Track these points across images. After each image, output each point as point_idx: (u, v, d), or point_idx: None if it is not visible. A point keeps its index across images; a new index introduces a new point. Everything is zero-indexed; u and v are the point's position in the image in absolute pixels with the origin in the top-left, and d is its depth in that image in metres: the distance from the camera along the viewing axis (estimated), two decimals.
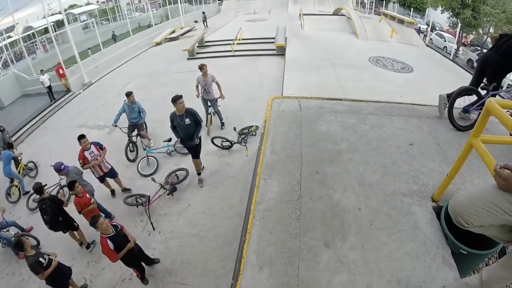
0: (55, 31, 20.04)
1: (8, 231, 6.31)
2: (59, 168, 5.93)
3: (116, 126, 7.83)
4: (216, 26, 20.86)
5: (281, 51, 13.17)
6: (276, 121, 4.99)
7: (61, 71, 15.24)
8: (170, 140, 7.41)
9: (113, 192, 6.94)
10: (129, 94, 7.66)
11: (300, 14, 18.86)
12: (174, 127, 5.97)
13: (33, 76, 17.90)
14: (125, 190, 6.95)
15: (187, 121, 5.73)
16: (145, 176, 7.15)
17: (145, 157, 7.45)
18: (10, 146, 8.20)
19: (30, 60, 22.81)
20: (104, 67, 17.54)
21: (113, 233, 4.34)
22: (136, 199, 6.28)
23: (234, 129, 7.45)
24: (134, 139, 8.05)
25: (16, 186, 7.75)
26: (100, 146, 6.41)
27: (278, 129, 4.81)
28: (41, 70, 15.09)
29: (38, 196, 5.71)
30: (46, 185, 6.19)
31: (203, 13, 24.58)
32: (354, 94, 7.13)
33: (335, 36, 15.47)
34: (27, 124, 13.07)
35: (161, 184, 6.35)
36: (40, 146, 10.57)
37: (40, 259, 4.59)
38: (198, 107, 6.66)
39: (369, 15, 25.47)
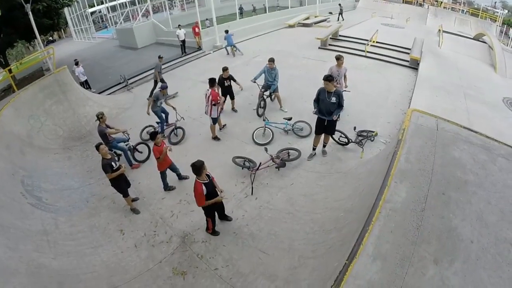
0: None
1: (128, 144, 7.96)
2: (165, 86, 8.97)
3: (255, 82, 9.24)
4: (350, 23, 20.95)
5: (414, 65, 12.75)
6: (414, 133, 5.20)
7: (197, 30, 17.31)
8: (290, 119, 8.10)
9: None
10: (271, 60, 8.93)
11: (439, 31, 18.03)
12: (317, 100, 6.69)
13: (169, 28, 20.63)
14: (224, 126, 9.04)
15: (333, 99, 6.40)
16: (258, 144, 7.95)
17: (262, 127, 8.26)
18: (227, 31, 15.72)
19: (168, 14, 26.29)
20: (236, 36, 19.09)
21: (207, 181, 5.08)
22: (245, 162, 7.09)
23: (354, 128, 7.70)
24: (265, 97, 9.39)
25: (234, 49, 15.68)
26: None
27: (415, 140, 5.03)
28: (179, 25, 17.41)
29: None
30: None
31: (340, 5, 24.74)
32: None
33: (472, 63, 14.60)
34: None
35: (272, 156, 6.98)
36: None
37: (112, 163, 6.04)
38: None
39: None
